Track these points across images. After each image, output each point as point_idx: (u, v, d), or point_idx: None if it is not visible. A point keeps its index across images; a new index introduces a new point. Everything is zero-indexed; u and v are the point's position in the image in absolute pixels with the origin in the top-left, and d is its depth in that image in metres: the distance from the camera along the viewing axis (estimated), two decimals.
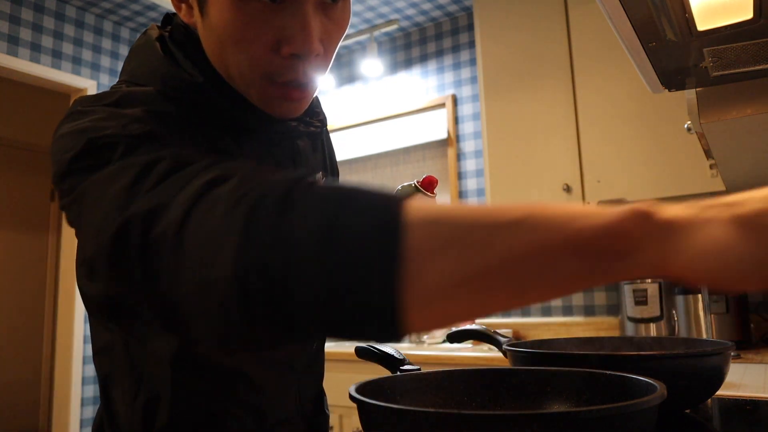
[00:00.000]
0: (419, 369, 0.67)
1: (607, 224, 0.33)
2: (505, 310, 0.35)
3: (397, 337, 0.34)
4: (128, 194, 0.43)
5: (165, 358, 0.60)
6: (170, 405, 0.60)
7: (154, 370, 0.61)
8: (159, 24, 0.65)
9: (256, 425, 0.65)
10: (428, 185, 0.70)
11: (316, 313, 0.34)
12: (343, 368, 2.27)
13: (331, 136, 0.89)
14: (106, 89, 0.60)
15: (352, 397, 0.49)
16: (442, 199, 3.00)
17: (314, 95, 0.63)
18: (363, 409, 0.47)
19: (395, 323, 0.33)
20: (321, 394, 0.78)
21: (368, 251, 0.33)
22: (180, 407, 0.61)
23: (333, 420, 2.20)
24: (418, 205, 0.34)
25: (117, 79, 0.65)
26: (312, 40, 0.53)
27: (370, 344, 0.82)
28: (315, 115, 0.70)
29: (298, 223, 0.34)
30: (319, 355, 0.80)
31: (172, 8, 0.63)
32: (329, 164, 0.82)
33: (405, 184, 0.71)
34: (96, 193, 0.45)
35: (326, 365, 0.85)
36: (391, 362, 0.77)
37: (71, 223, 0.50)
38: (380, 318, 0.33)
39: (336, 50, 0.60)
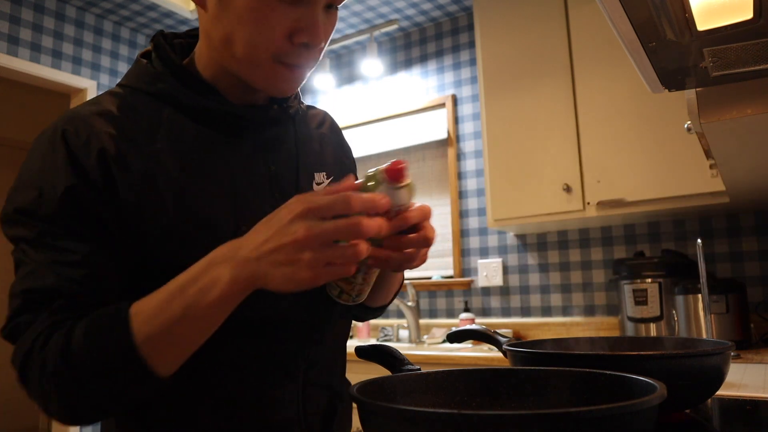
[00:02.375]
0: (419, 369, 0.67)
1: None
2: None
3: None
4: (10, 293, 0.62)
5: None
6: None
7: None
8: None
9: (242, 419, 0.67)
10: (395, 174, 0.57)
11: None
12: None
13: None
14: (106, 89, 0.66)
15: (352, 397, 0.49)
16: (442, 200, 3.00)
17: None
18: (363, 409, 0.47)
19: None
20: (332, 413, 0.77)
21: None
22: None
23: None
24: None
25: (117, 80, 0.71)
26: (320, 34, 0.66)
27: (371, 344, 0.82)
28: (288, 99, 0.80)
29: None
30: (334, 373, 0.80)
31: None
32: (339, 158, 0.87)
33: (370, 171, 0.59)
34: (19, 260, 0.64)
35: None
36: (391, 362, 0.76)
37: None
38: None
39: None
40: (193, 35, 0.78)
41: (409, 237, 0.62)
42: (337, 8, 0.69)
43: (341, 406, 0.79)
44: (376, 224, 0.53)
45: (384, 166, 0.58)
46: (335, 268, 0.53)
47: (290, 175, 0.75)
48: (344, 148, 0.90)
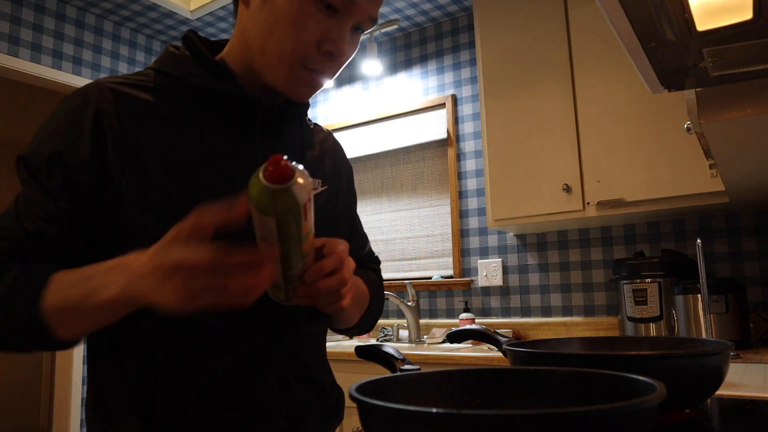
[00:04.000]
0: (419, 369, 0.67)
1: None
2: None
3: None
4: None
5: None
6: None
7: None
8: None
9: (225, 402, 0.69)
10: (278, 176, 0.52)
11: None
12: (343, 368, 2.27)
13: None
14: None
15: (352, 397, 0.49)
16: (442, 200, 3.00)
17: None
18: (363, 409, 0.47)
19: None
20: (314, 407, 0.78)
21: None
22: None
23: None
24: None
25: None
26: (345, 46, 0.73)
27: (370, 344, 0.82)
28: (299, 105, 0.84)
29: None
30: (318, 370, 0.81)
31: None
32: (337, 169, 0.92)
33: (253, 175, 0.54)
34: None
35: None
36: (391, 362, 0.77)
37: None
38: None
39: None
40: (219, 43, 0.82)
41: (321, 285, 0.64)
42: (361, 33, 0.75)
43: (327, 401, 0.80)
44: (244, 285, 0.53)
45: (264, 167, 0.54)
46: (207, 299, 0.53)
47: None
48: (343, 162, 0.94)
